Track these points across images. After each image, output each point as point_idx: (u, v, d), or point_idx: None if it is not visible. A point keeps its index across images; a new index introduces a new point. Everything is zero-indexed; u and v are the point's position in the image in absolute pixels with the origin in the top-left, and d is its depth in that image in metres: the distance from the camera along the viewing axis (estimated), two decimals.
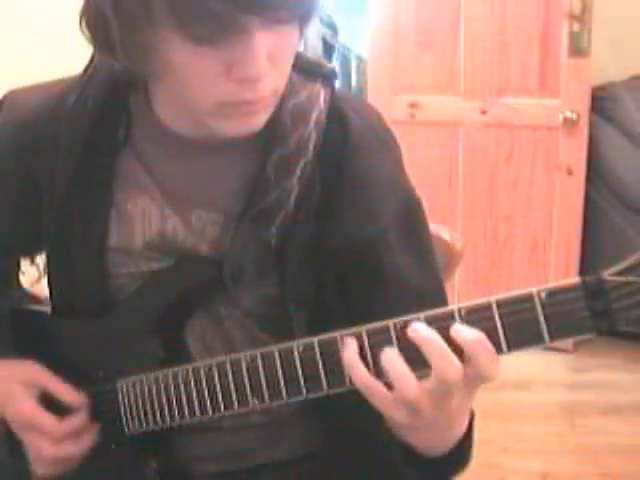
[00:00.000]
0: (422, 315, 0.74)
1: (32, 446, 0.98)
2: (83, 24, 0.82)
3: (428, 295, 0.91)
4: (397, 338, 0.74)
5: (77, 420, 0.98)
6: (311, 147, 0.92)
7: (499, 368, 0.72)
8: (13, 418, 0.99)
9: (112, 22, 0.78)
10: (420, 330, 0.73)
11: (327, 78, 0.97)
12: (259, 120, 0.85)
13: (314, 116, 0.93)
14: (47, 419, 0.97)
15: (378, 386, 0.75)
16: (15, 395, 0.98)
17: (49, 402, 0.98)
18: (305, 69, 0.96)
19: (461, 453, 0.83)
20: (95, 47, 0.84)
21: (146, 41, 0.79)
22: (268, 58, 0.79)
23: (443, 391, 0.73)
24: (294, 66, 0.92)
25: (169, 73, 0.82)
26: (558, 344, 0.70)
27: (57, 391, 0.98)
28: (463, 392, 0.74)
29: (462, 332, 0.71)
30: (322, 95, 0.95)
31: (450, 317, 0.72)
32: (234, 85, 0.79)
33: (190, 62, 0.79)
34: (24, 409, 0.98)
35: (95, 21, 0.81)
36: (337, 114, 0.95)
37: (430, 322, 0.73)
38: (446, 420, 0.77)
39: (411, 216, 0.96)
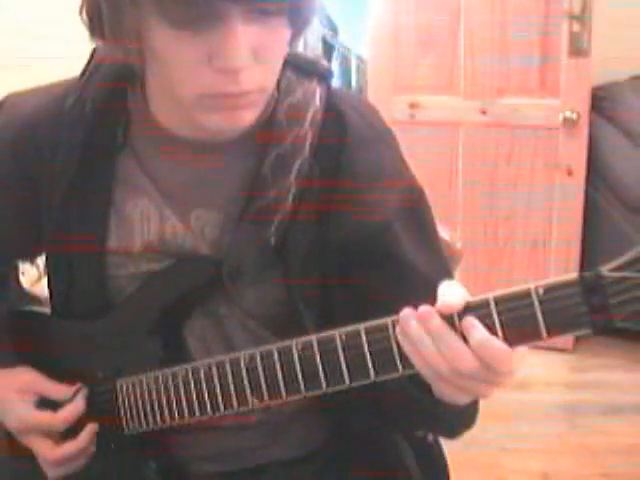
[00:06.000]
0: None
1: (37, 451, 0.99)
2: (83, 12, 0.84)
3: (437, 280, 0.91)
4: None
5: (74, 408, 0.98)
6: (307, 145, 0.92)
7: (512, 363, 0.73)
8: (14, 426, 1.00)
9: (103, 7, 0.81)
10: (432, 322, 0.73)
11: (323, 76, 0.97)
12: (244, 117, 0.85)
13: (310, 114, 0.93)
14: (43, 416, 0.98)
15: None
16: (12, 404, 1.00)
17: (47, 407, 0.99)
18: (300, 67, 0.96)
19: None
20: (90, 33, 0.86)
21: (133, 26, 0.80)
22: (252, 52, 0.79)
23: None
24: (290, 65, 0.93)
25: (155, 60, 0.83)
26: (558, 344, 0.70)
27: (50, 392, 1.00)
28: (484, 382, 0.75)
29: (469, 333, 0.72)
30: (318, 93, 0.95)
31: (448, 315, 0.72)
32: (215, 76, 0.80)
33: (172, 48, 0.79)
34: (21, 415, 0.99)
35: (90, 7, 0.83)
36: (334, 111, 0.95)
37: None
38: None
39: (414, 205, 0.96)
